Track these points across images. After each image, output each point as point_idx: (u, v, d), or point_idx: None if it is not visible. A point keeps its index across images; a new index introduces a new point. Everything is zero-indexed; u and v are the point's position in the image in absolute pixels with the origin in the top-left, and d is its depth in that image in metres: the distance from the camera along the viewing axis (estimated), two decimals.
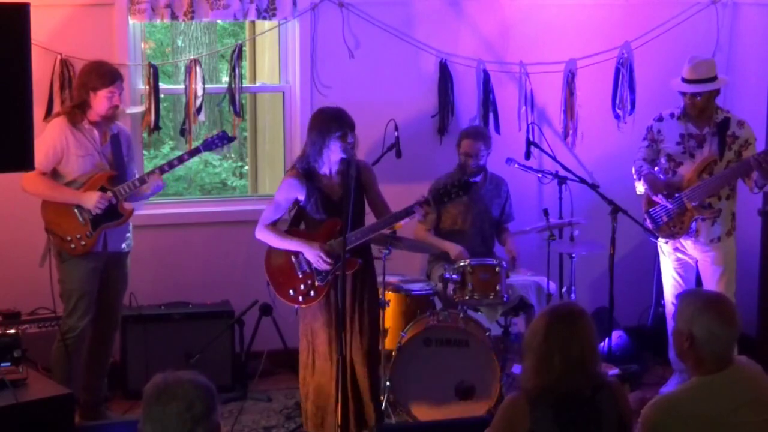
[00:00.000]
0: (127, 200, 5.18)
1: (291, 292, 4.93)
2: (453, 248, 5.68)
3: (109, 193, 5.02)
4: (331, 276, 4.84)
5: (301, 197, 4.90)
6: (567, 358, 3.08)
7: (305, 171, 4.90)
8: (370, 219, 5.04)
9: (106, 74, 5.02)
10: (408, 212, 4.84)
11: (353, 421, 4.90)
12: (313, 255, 4.83)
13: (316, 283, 4.87)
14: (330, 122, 4.84)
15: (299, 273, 4.91)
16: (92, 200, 4.99)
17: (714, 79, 5.48)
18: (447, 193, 4.84)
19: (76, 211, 5.03)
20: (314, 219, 4.92)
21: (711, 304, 3.22)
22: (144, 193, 5.21)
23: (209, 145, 5.28)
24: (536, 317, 3.23)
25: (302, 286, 4.90)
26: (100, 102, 5.01)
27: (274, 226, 4.96)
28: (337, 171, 4.91)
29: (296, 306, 4.96)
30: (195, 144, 5.57)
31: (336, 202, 4.86)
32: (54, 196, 5.04)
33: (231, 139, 5.36)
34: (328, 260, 4.79)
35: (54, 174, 5.06)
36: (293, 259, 4.92)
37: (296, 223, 5.03)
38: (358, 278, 4.93)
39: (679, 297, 3.33)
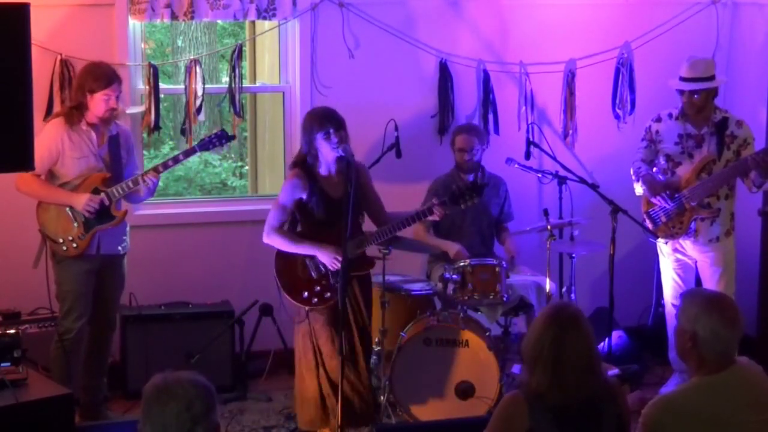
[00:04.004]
0: (126, 201, 5.17)
1: (305, 294, 4.93)
2: (452, 247, 5.66)
3: (102, 195, 4.99)
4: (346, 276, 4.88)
5: (305, 196, 4.91)
6: (578, 368, 3.07)
7: (306, 170, 4.91)
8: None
9: (103, 76, 4.98)
10: (428, 212, 4.90)
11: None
12: (328, 258, 4.85)
13: (332, 284, 4.89)
14: (312, 123, 4.88)
15: (314, 274, 4.92)
16: (81, 202, 4.96)
17: (712, 78, 5.48)
18: (462, 194, 4.86)
19: (69, 212, 5.01)
20: (314, 218, 4.92)
21: (715, 304, 3.22)
22: (140, 194, 5.19)
23: (206, 145, 5.21)
24: (537, 322, 3.17)
25: (317, 288, 4.92)
26: (96, 104, 4.99)
27: (281, 229, 4.95)
28: (336, 171, 4.92)
29: (307, 308, 4.94)
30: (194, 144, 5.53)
31: (336, 201, 4.88)
32: (46, 197, 5.03)
33: (230, 138, 5.28)
34: (340, 258, 4.78)
35: (50, 175, 5.05)
36: (307, 262, 4.92)
37: (294, 226, 5.03)
38: (363, 280, 5.00)
39: (683, 296, 3.33)
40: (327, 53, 6.10)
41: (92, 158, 5.05)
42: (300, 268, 4.94)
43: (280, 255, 4.98)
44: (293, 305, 4.98)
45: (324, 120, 4.85)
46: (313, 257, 4.90)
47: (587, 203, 6.18)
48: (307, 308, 4.94)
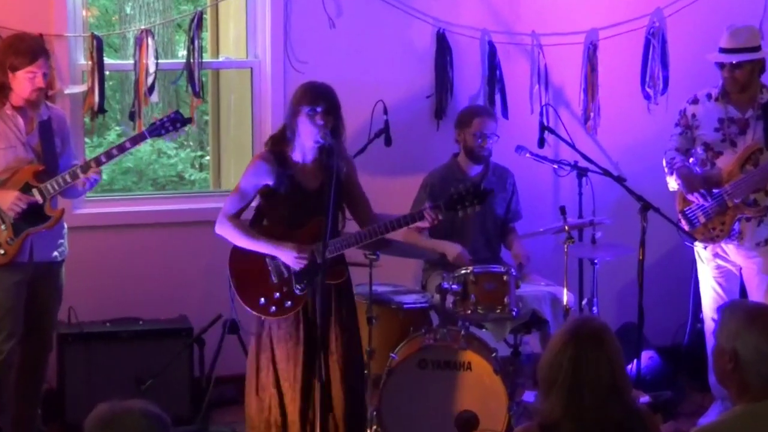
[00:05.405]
0: (63, 197, 5.16)
1: (262, 300, 4.89)
2: (451, 249, 5.65)
3: (34, 192, 4.97)
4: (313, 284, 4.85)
5: (271, 183, 4.89)
6: (598, 390, 3.07)
7: (276, 154, 4.91)
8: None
9: (26, 51, 4.95)
10: (415, 217, 4.84)
11: None
12: (289, 257, 4.82)
13: (295, 292, 4.87)
14: (303, 96, 4.85)
15: (274, 278, 4.89)
16: (7, 201, 4.93)
17: (758, 48, 5.49)
18: (461, 199, 4.79)
19: None
20: (279, 211, 4.91)
21: (759, 318, 3.22)
22: (79, 188, 5.16)
23: (157, 130, 5.14)
24: (554, 339, 3.19)
25: (277, 295, 4.88)
26: (20, 84, 4.96)
27: (238, 219, 4.95)
28: (313, 159, 4.90)
29: (264, 318, 4.91)
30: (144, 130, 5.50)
31: (309, 194, 4.87)
32: None
33: (185, 122, 5.23)
34: (305, 256, 4.78)
35: None
36: (268, 262, 4.90)
37: (259, 218, 5.01)
38: (340, 292, 4.95)
39: (721, 310, 3.33)
40: (303, 22, 6.10)
41: (20, 148, 5.02)
42: (259, 269, 4.90)
43: (237, 250, 4.94)
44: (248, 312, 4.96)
45: (317, 95, 4.82)
46: (274, 258, 4.90)
47: (612, 200, 6.21)
48: (263, 317, 4.91)
